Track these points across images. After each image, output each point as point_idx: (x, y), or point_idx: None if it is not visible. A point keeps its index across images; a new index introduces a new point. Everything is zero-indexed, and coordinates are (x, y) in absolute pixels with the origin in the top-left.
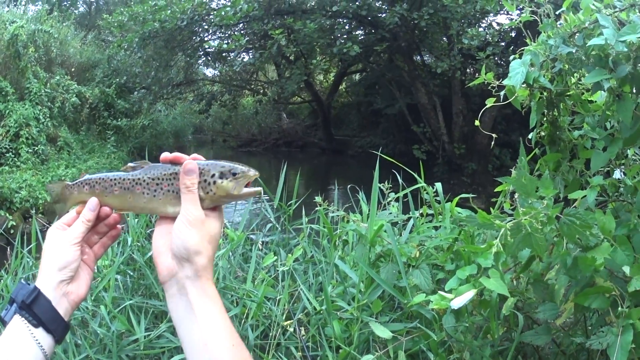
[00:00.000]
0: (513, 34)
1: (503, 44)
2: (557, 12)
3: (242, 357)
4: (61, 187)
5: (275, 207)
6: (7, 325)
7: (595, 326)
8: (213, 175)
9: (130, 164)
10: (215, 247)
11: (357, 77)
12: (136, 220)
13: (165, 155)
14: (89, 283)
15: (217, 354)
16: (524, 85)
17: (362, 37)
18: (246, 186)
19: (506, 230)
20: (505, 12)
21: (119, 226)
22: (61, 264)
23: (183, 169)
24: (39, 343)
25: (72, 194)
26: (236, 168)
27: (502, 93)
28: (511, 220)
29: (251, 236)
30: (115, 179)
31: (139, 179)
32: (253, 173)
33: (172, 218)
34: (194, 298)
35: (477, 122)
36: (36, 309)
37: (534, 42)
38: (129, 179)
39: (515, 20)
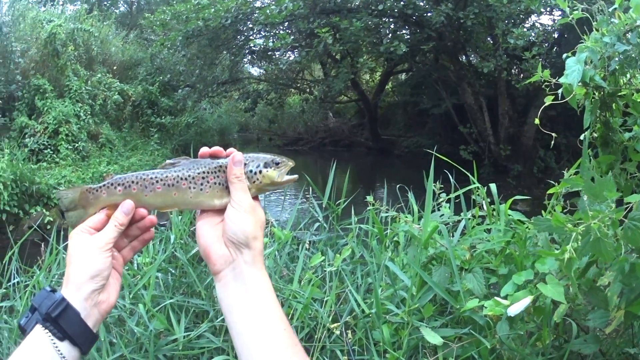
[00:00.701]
0: (556, 35)
1: (546, 45)
2: (609, 10)
3: (293, 343)
4: (80, 192)
5: (323, 206)
6: (27, 334)
7: (638, 335)
8: (258, 165)
9: (169, 161)
10: (263, 233)
11: (403, 76)
12: (179, 217)
13: (204, 149)
14: (119, 289)
15: (269, 338)
16: (580, 83)
17: (408, 36)
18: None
19: (577, 235)
20: (548, 12)
21: (152, 229)
22: (92, 272)
23: (232, 160)
24: (64, 357)
25: (99, 197)
26: (278, 158)
27: (559, 91)
28: (582, 225)
29: (298, 235)
30: (156, 177)
31: (183, 174)
32: (292, 162)
33: (216, 211)
34: (251, 282)
35: (537, 121)
36: (63, 323)
37: (584, 40)
38: (172, 175)
39: (567, 17)
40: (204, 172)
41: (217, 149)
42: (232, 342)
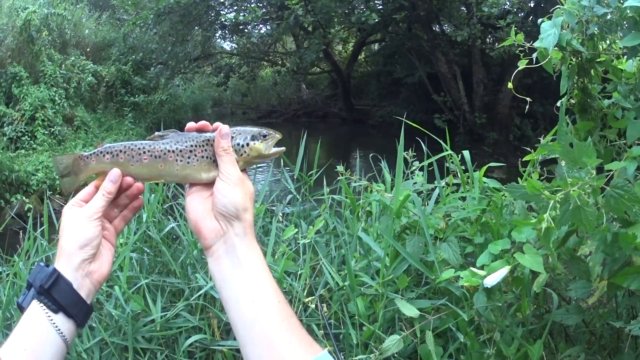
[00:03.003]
0: (532, 4)
1: (522, 14)
2: None
3: (288, 314)
4: (73, 158)
5: (295, 177)
6: (24, 311)
7: (621, 304)
8: (246, 138)
9: (157, 133)
10: (253, 205)
11: (376, 46)
12: (152, 195)
13: (190, 124)
14: (112, 260)
15: (264, 311)
16: (556, 48)
17: (380, 6)
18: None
19: (555, 203)
20: None
21: (141, 197)
22: (82, 241)
23: (219, 133)
24: (59, 329)
25: (89, 164)
26: (265, 130)
27: (534, 55)
28: (560, 192)
29: (271, 208)
30: (144, 147)
31: (171, 146)
32: (279, 134)
33: (205, 185)
34: (243, 254)
35: (510, 85)
36: (55, 294)
37: (564, 4)
38: (159, 148)
39: None
40: (191, 146)
41: (203, 123)
42: (227, 316)
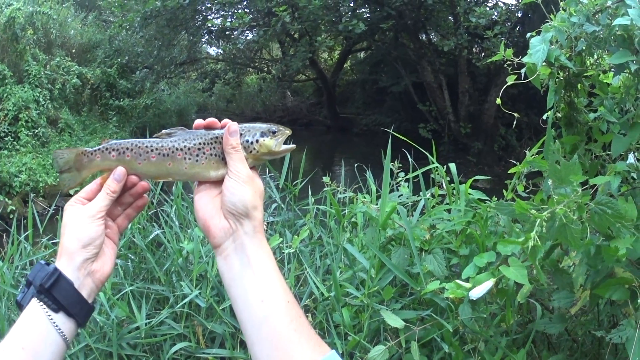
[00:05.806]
0: (519, 14)
1: (509, 24)
2: None
3: (297, 315)
4: (75, 154)
5: (280, 186)
6: (23, 309)
7: (602, 312)
8: (255, 135)
9: (165, 131)
10: (263, 203)
11: (362, 55)
12: None
13: (199, 121)
14: (114, 259)
15: (273, 311)
16: (545, 63)
17: (367, 15)
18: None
19: (542, 221)
20: None
21: (145, 196)
22: (84, 240)
23: (228, 131)
24: (59, 329)
25: (93, 161)
26: (274, 127)
27: (522, 71)
28: (546, 210)
29: None
30: (152, 145)
31: (179, 144)
32: (289, 131)
33: (214, 183)
34: (252, 253)
35: (498, 100)
36: (56, 293)
37: (549, 20)
38: (167, 145)
39: None
40: (199, 144)
41: (211, 120)
42: (236, 316)
